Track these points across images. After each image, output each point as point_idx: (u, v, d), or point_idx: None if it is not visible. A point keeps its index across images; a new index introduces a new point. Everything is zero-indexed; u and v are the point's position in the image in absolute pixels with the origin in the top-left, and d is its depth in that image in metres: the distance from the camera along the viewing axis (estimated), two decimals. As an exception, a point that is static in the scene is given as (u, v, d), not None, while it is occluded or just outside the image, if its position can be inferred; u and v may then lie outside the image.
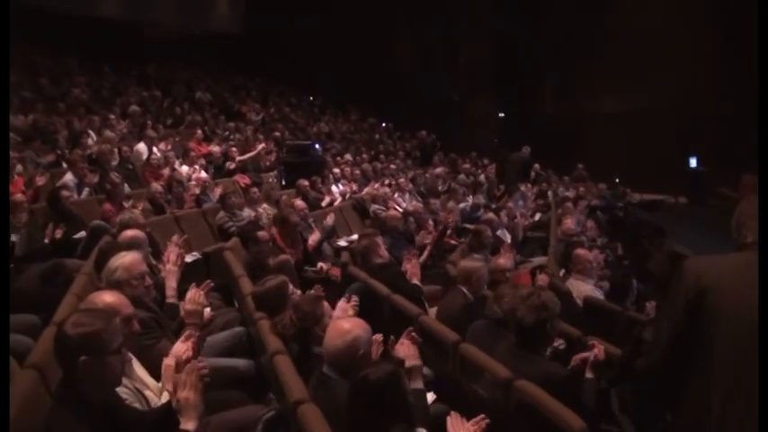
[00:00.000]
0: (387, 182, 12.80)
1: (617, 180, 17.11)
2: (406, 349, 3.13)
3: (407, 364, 3.07)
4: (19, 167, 8.41)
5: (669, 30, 18.45)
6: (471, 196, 12.52)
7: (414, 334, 3.19)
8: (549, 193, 14.72)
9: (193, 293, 3.62)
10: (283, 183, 11.56)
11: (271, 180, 11.22)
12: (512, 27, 22.33)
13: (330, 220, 8.26)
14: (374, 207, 10.32)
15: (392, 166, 14.84)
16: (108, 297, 3.00)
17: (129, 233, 4.96)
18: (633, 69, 19.45)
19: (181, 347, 2.99)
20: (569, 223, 8.74)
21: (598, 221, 12.59)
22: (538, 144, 16.74)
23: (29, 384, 2.71)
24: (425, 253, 7.65)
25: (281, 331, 3.55)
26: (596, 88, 21.24)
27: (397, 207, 10.66)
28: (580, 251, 6.33)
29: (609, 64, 20.38)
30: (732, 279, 2.10)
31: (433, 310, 5.34)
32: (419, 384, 3.09)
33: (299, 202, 8.64)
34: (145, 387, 2.93)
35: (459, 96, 23.32)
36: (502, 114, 23.84)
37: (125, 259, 3.67)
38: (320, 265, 7.03)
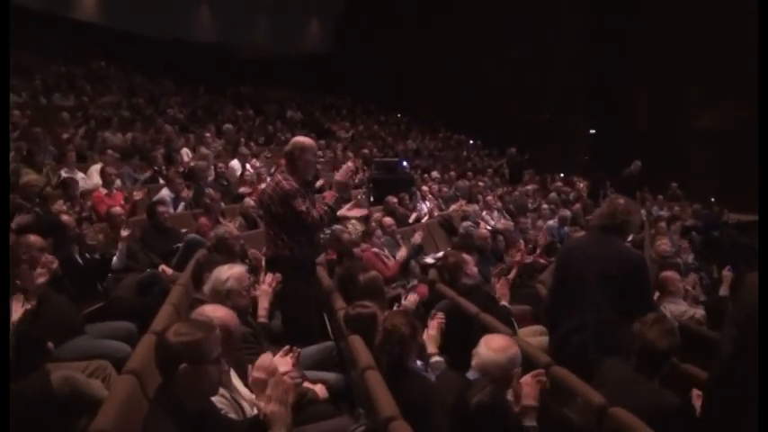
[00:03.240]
0: (477, 199, 12.70)
1: (713, 200, 16.40)
2: (529, 390, 3.02)
3: (525, 402, 2.96)
4: (118, 182, 8.80)
5: None
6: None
7: (542, 378, 3.09)
8: (643, 212, 14.25)
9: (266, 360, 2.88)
10: (372, 199, 11.61)
11: (359, 197, 11.29)
12: (604, 42, 21.92)
13: (418, 237, 8.22)
14: (465, 224, 10.19)
15: (480, 184, 14.72)
16: (219, 311, 3.08)
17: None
18: (729, 84, 18.71)
19: (279, 362, 3.02)
20: (665, 245, 8.41)
21: (693, 243, 12.10)
22: (630, 161, 16.28)
23: (127, 389, 2.77)
24: (513, 272, 7.50)
25: (379, 345, 3.53)
26: (691, 104, 20.54)
27: (486, 225, 10.54)
28: (668, 273, 6.06)
29: (704, 78, 19.68)
30: None
31: (522, 331, 5.22)
32: (532, 422, 2.99)
33: (387, 219, 8.65)
34: (241, 398, 2.97)
35: (549, 113, 22.99)
36: (593, 131, 23.35)
37: (235, 270, 3.80)
38: None
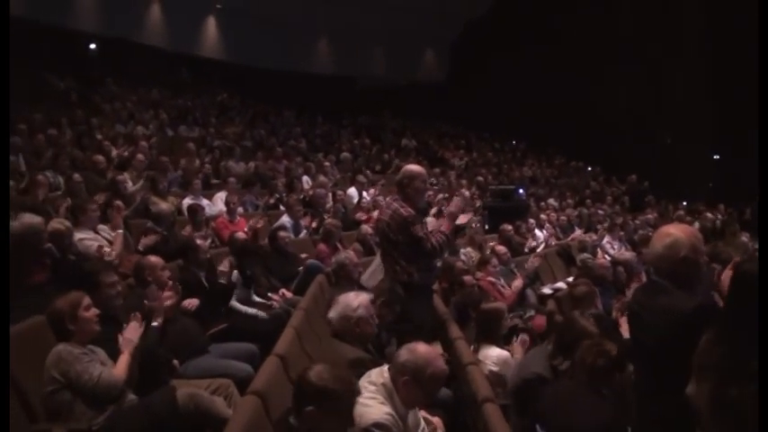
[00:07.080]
0: (596, 228, 12.34)
1: None
2: None
3: None
4: (240, 209, 9.12)
5: None
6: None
7: None
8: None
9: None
10: (486, 227, 11.48)
11: (474, 224, 11.19)
12: (727, 64, 20.90)
13: (536, 261, 8.09)
14: (582, 256, 9.87)
15: (599, 212, 14.27)
16: (421, 348, 3.06)
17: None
18: None
19: None
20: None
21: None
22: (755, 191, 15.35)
23: (251, 410, 2.83)
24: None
25: None
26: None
27: (606, 255, 10.19)
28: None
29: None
30: None
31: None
32: None
33: (501, 248, 8.50)
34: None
35: (670, 138, 22.08)
36: (717, 156, 22.24)
37: (363, 298, 3.87)
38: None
